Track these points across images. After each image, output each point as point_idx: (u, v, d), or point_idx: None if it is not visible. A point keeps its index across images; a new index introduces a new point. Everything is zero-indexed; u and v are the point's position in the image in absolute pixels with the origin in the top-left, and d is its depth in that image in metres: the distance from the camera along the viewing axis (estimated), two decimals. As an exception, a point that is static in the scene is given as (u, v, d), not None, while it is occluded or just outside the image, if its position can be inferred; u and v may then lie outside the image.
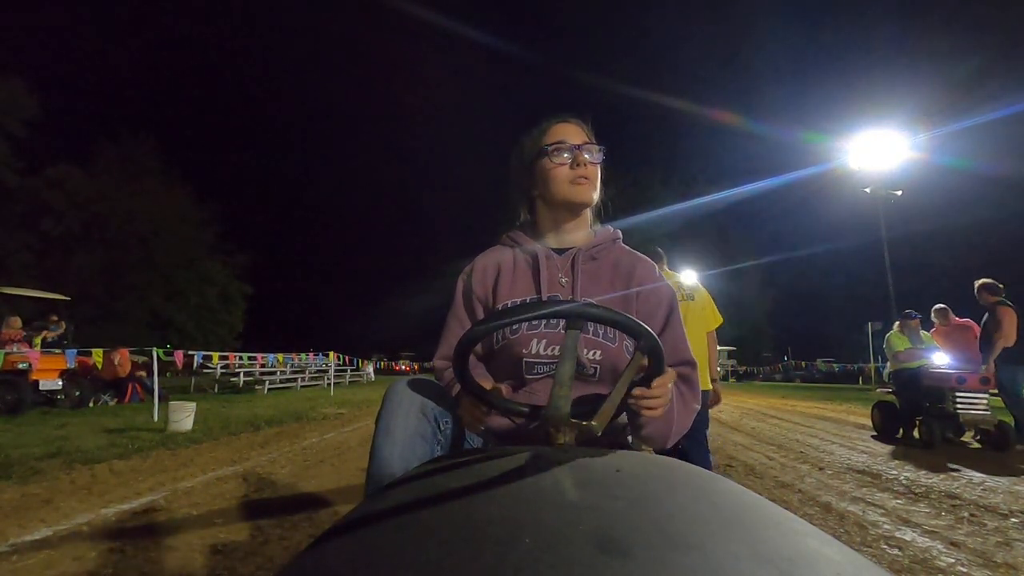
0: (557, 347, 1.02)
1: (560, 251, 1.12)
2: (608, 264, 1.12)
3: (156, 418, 6.65)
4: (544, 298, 1.08)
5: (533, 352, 1.04)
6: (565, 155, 1.08)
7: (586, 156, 1.09)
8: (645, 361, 0.76)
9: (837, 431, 6.74)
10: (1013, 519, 2.96)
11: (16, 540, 2.50)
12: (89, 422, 6.49)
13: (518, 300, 1.10)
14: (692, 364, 1.04)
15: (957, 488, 3.66)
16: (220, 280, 36.13)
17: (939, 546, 2.54)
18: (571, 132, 1.11)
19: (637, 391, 0.79)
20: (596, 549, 0.33)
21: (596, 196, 1.13)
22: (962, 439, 5.42)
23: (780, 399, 13.52)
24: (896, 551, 2.48)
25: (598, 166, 1.11)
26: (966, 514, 3.07)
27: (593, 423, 0.69)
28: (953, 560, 2.36)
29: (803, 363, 29.40)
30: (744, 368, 28.89)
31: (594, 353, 1.03)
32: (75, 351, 6.43)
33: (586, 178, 1.08)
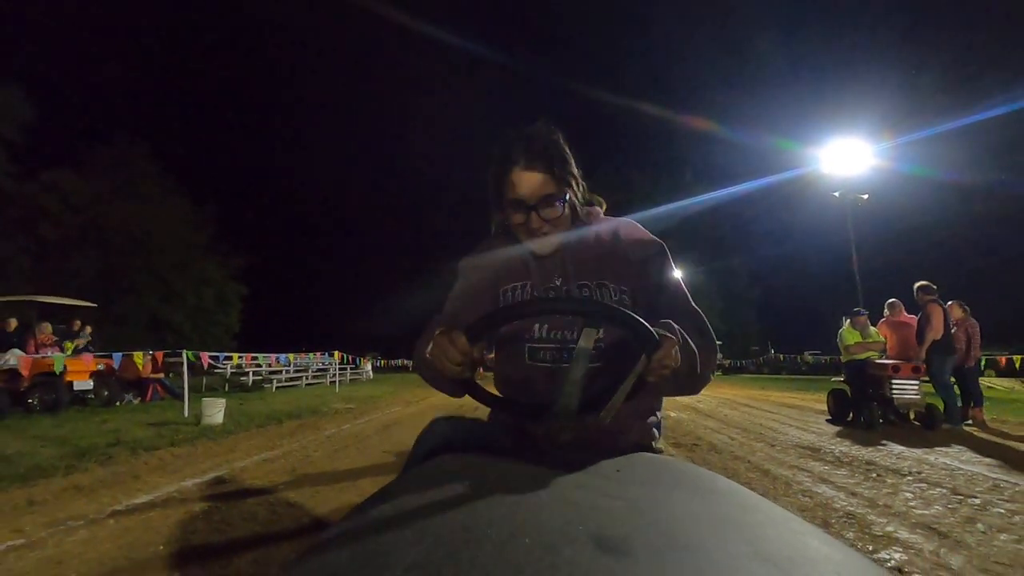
0: (560, 331, 1.04)
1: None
2: (591, 238, 1.11)
3: (187, 414, 7.32)
4: (541, 287, 1.09)
5: (536, 337, 1.05)
6: (520, 212, 1.05)
7: (543, 216, 1.04)
8: (654, 363, 0.75)
9: (799, 416, 7.58)
10: (909, 477, 3.76)
11: (129, 502, 3.21)
12: (127, 418, 7.16)
13: (516, 284, 1.11)
14: (694, 314, 1.03)
15: (877, 457, 4.46)
16: (216, 281, 36.57)
17: (841, 496, 3.33)
18: (529, 183, 1.03)
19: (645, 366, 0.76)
20: (596, 549, 0.33)
21: (563, 236, 1.10)
22: (910, 421, 6.26)
23: (759, 390, 14.40)
24: (807, 499, 3.26)
25: (561, 215, 1.06)
26: (874, 475, 3.86)
27: (596, 423, 0.71)
28: (847, 503, 3.14)
29: (782, 356, 30.46)
30: (729, 362, 29.83)
31: (598, 332, 1.01)
32: (121, 354, 7.10)
33: (546, 233, 1.07)
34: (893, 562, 2.25)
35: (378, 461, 4.55)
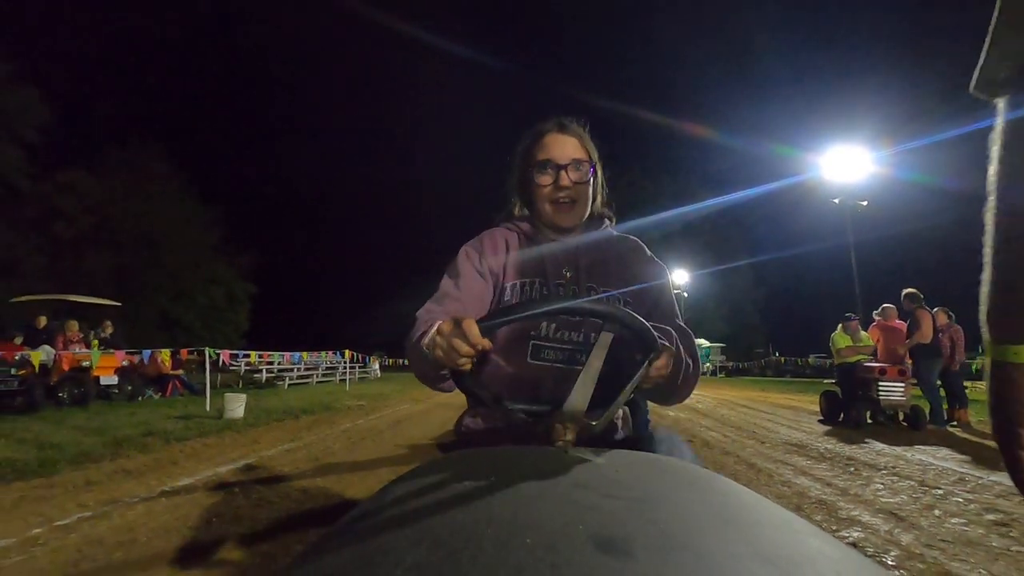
0: (567, 332, 1.05)
1: (559, 235, 1.17)
2: (603, 243, 1.16)
3: (208, 408, 7.71)
4: (549, 285, 1.11)
5: (543, 335, 1.06)
6: (549, 173, 1.10)
7: (571, 177, 1.09)
8: (651, 371, 0.78)
9: (792, 416, 7.88)
10: (883, 471, 4.07)
11: (173, 484, 3.58)
12: (153, 412, 7.55)
13: (526, 280, 1.12)
14: (687, 332, 1.06)
15: (858, 453, 4.77)
16: (225, 280, 37.15)
17: (817, 486, 3.65)
18: (562, 146, 1.11)
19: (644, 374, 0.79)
20: (596, 549, 0.33)
21: (583, 213, 1.15)
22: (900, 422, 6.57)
23: (759, 392, 14.68)
24: (785, 488, 3.58)
25: (587, 183, 1.12)
26: (852, 469, 4.17)
27: (594, 424, 0.72)
28: (820, 492, 3.47)
29: (784, 359, 30.68)
30: (731, 364, 30.12)
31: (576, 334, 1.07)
32: (149, 351, 7.51)
33: (571, 200, 1.11)
34: (851, 539, 2.58)
35: (393, 453, 4.91)
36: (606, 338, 0.73)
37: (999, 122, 0.50)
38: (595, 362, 0.71)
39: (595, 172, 1.14)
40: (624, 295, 1.12)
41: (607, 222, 1.23)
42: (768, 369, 31.95)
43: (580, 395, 0.70)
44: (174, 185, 35.20)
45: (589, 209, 1.16)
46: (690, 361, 0.98)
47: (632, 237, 1.22)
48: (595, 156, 1.16)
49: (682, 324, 1.07)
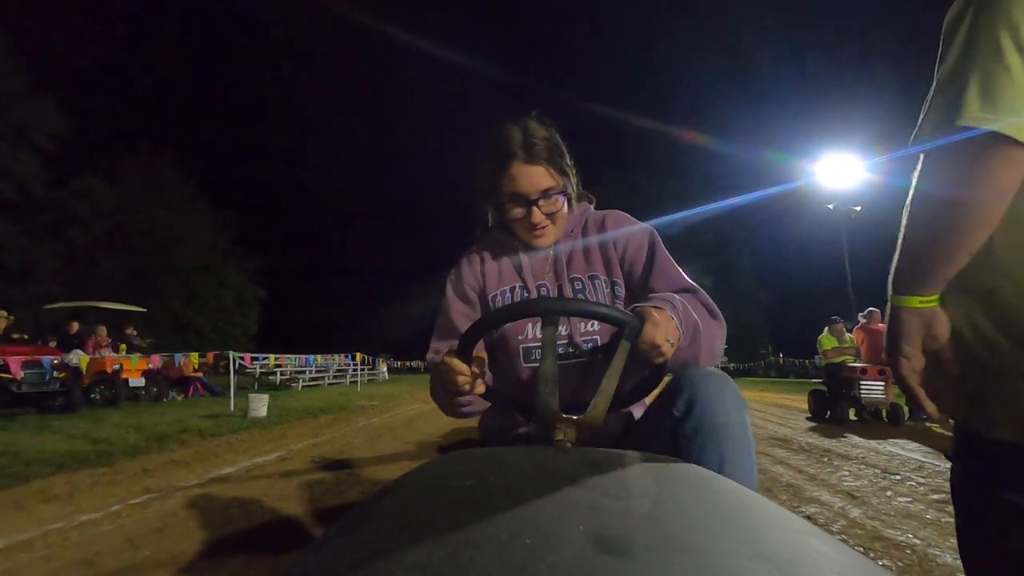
0: None
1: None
2: (581, 232, 1.14)
3: (232, 408, 8.21)
4: (530, 288, 1.11)
5: (529, 337, 1.06)
6: (520, 206, 1.06)
7: (543, 210, 1.06)
8: (642, 346, 0.75)
9: (782, 414, 8.31)
10: (852, 460, 4.50)
11: (219, 472, 4.06)
12: (181, 412, 8.05)
13: (506, 288, 1.12)
14: (693, 289, 1.01)
15: (834, 446, 5.21)
16: (235, 284, 37.81)
17: (790, 473, 4.09)
18: (530, 177, 1.04)
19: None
20: (596, 549, 0.34)
21: (561, 230, 1.13)
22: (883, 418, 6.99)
23: (756, 392, 15.06)
24: (761, 475, 4.00)
25: (561, 208, 1.08)
26: (825, 459, 4.61)
27: (586, 418, 0.71)
28: (792, 478, 3.91)
29: (783, 360, 31.00)
30: (733, 365, 30.50)
31: (590, 325, 1.05)
32: (180, 355, 8.05)
33: (546, 226, 1.08)
34: (807, 513, 3.02)
35: (410, 447, 5.38)
36: (549, 332, 0.74)
37: (919, 164, 0.71)
38: (546, 358, 0.74)
39: (567, 193, 1.10)
40: (612, 279, 1.11)
41: (588, 206, 1.21)
42: (771, 370, 32.27)
43: (546, 394, 0.72)
44: (185, 190, 35.97)
45: (567, 220, 1.14)
46: (705, 320, 0.95)
47: (614, 211, 1.19)
48: (568, 169, 1.11)
49: (691, 284, 1.04)
